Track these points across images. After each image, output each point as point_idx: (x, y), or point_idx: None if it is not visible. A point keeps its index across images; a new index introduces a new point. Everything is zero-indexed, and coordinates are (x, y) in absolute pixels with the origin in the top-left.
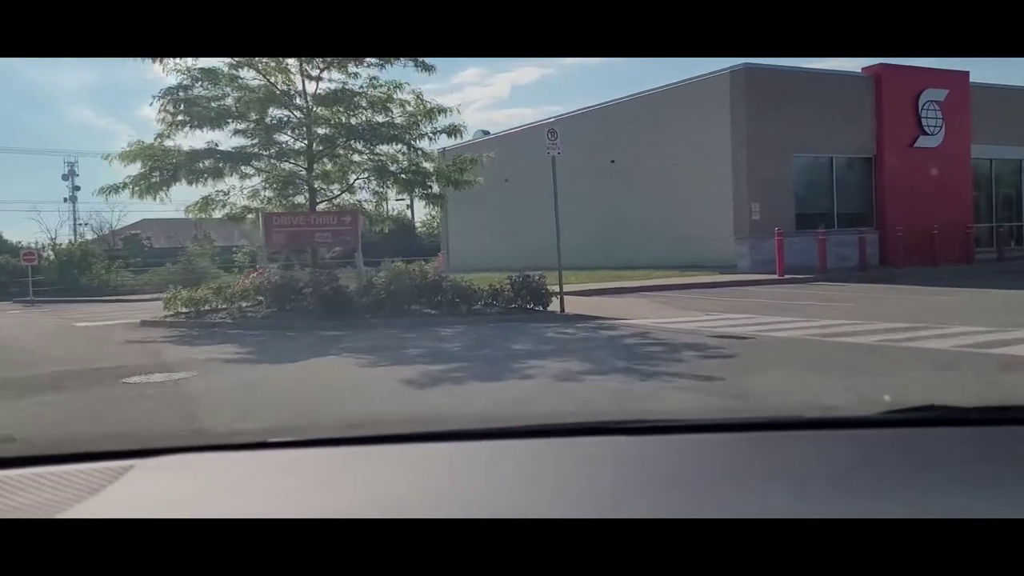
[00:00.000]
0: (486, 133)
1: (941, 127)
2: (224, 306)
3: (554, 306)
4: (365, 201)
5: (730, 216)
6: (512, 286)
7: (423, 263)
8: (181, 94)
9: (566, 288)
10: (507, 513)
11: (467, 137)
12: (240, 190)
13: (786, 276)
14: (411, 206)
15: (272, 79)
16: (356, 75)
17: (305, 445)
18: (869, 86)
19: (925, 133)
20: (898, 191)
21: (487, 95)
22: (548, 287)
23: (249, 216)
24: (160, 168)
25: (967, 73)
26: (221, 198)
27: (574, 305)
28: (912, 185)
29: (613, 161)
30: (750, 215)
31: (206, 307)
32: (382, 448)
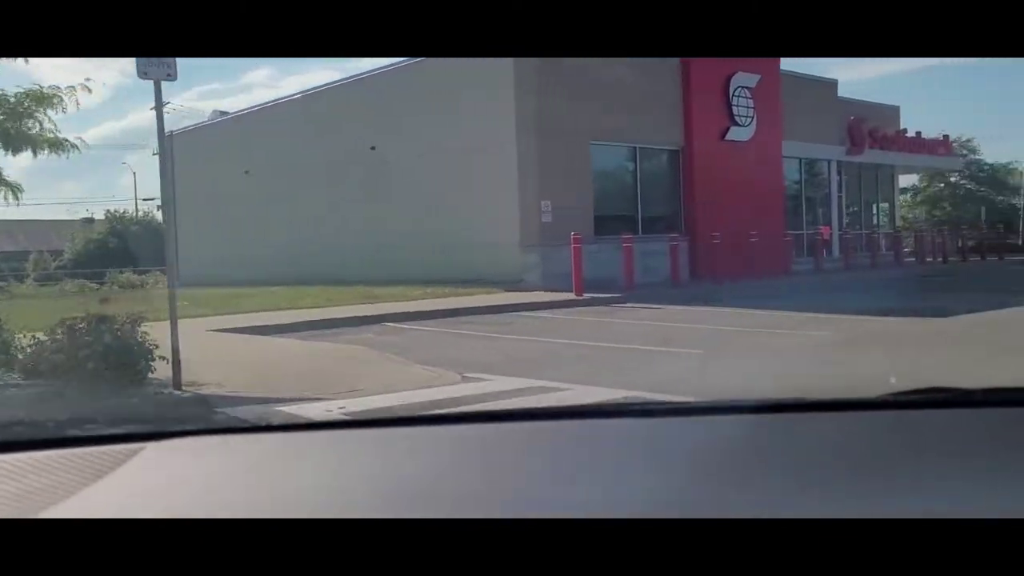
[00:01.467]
0: (224, 114)
1: (753, 118)
2: None
3: (163, 372)
4: None
5: (516, 218)
6: (72, 342)
7: None
8: None
9: (247, 320)
10: (505, 495)
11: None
12: None
13: (586, 295)
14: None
15: None
16: None
17: (316, 428)
18: (676, 65)
19: (736, 124)
20: (709, 191)
21: (274, 97)
22: (147, 341)
23: None
24: None
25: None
26: None
27: (211, 366)
28: (724, 184)
29: (374, 148)
30: (540, 216)
31: None
32: (388, 431)
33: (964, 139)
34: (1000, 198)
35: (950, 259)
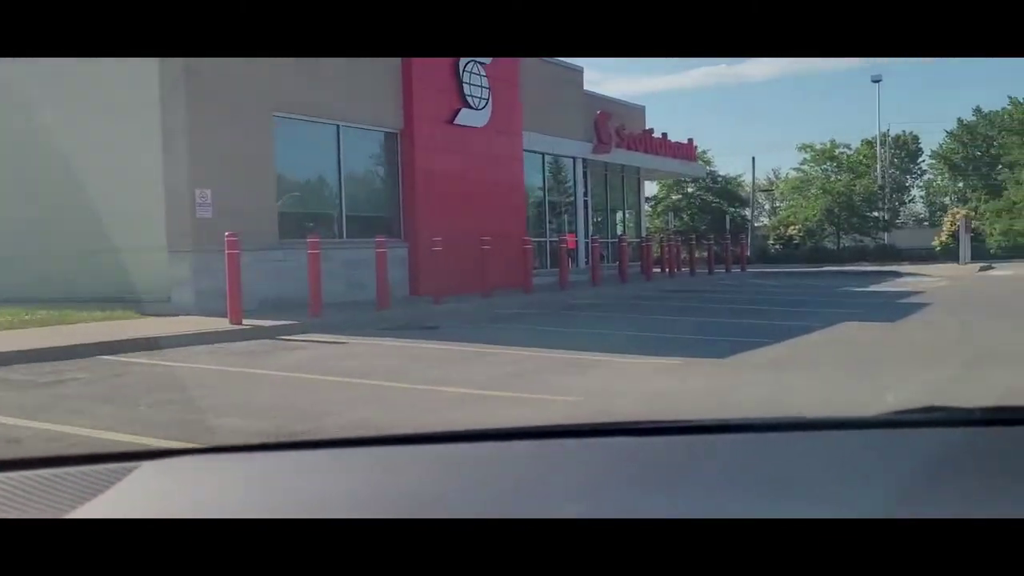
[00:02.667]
0: None
1: (488, 100)
2: None
3: None
4: None
5: (161, 213)
6: None
7: None
8: None
9: None
10: (508, 515)
11: None
12: None
13: (248, 323)
14: None
15: None
16: None
17: (313, 447)
18: None
19: (469, 106)
20: (435, 186)
21: None
22: None
23: None
24: None
25: None
26: None
27: None
28: (454, 178)
29: None
30: (194, 211)
31: None
32: (391, 450)
33: (701, 151)
34: (732, 209)
35: (697, 271)
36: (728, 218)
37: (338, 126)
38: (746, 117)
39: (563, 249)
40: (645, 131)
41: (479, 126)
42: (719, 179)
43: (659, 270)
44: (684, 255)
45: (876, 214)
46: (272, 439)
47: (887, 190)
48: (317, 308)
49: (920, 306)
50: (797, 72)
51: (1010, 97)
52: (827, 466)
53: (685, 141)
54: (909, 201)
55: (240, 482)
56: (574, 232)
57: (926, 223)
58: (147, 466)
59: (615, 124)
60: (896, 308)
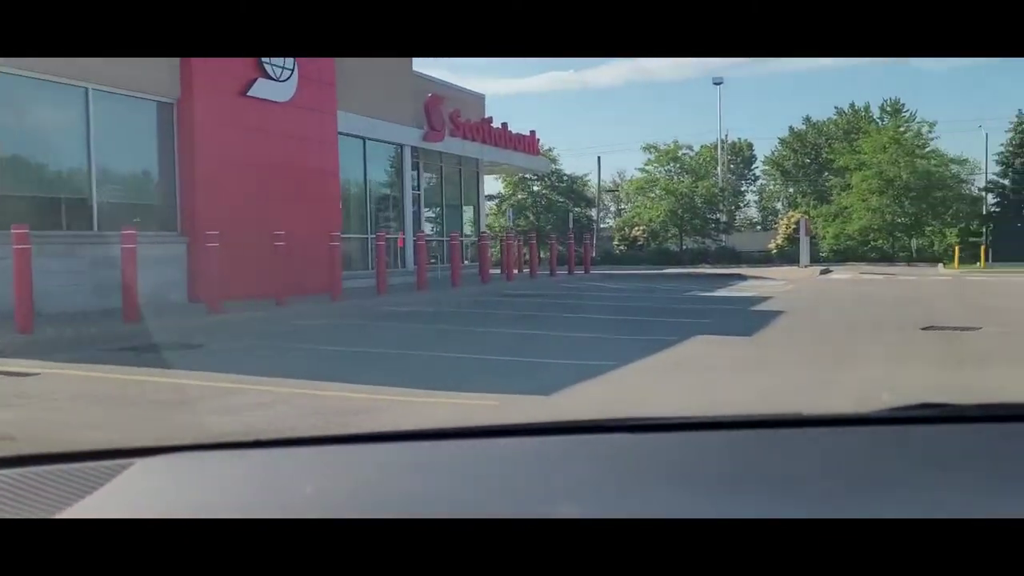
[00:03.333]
0: None
1: (294, 71)
2: None
3: None
4: None
5: None
6: None
7: None
8: None
9: None
10: (502, 512)
11: None
12: None
13: None
14: None
15: None
16: None
17: (307, 444)
18: None
19: (268, 76)
20: (223, 171)
21: None
22: None
23: None
24: None
25: None
26: None
27: None
28: (248, 162)
29: None
30: None
31: None
32: (387, 447)
33: (546, 148)
34: (576, 209)
35: (540, 273)
36: (571, 216)
37: (87, 88)
38: (593, 120)
39: (382, 248)
40: (483, 120)
41: (281, 101)
42: (565, 178)
43: (498, 272)
44: (527, 256)
45: (717, 216)
46: (265, 436)
47: (727, 192)
48: (27, 322)
49: (774, 315)
50: (643, 78)
51: (836, 107)
52: (823, 463)
53: (527, 133)
54: (744, 205)
55: (232, 480)
56: (402, 229)
57: (759, 227)
58: (140, 463)
59: (449, 110)
60: (750, 318)
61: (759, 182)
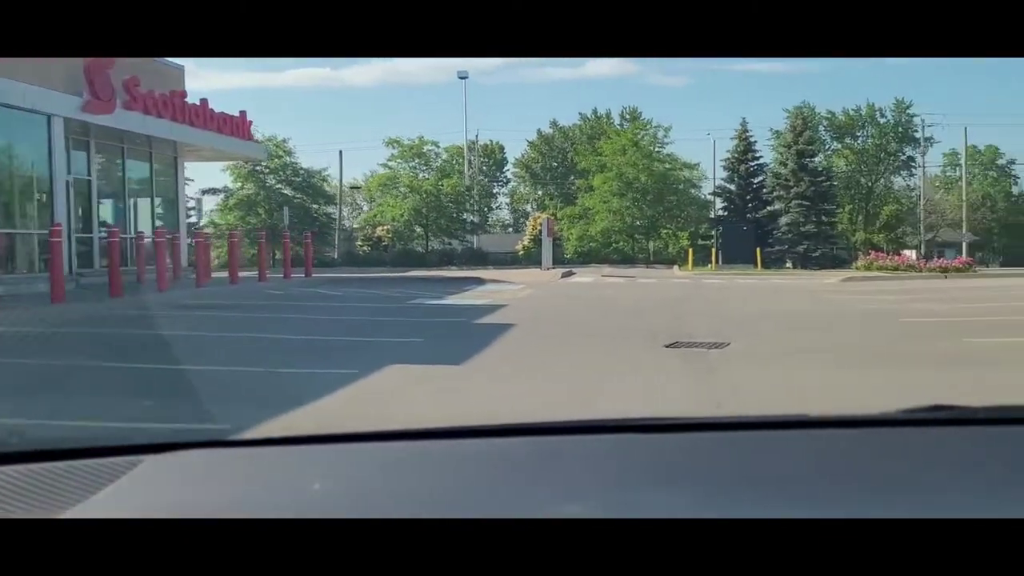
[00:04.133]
0: None
1: None
2: None
3: None
4: None
5: None
6: None
7: None
8: None
9: None
10: (504, 512)
11: None
12: None
13: None
14: None
15: None
16: None
17: (315, 442)
18: None
19: None
20: None
21: None
22: None
23: None
24: None
25: None
26: None
27: None
28: None
29: None
30: None
31: None
32: (394, 445)
33: (280, 139)
34: (315, 206)
35: (270, 276)
36: (286, 212)
37: None
38: (348, 118)
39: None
40: (174, 93)
41: None
42: (301, 171)
43: (193, 274)
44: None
45: (465, 217)
46: (276, 434)
47: (475, 191)
48: None
49: (501, 330)
50: (398, 79)
51: (580, 113)
52: (828, 464)
53: (237, 115)
54: (497, 207)
55: (240, 478)
56: (59, 223)
57: (511, 229)
58: (150, 460)
59: (125, 77)
60: (471, 334)
61: (510, 184)
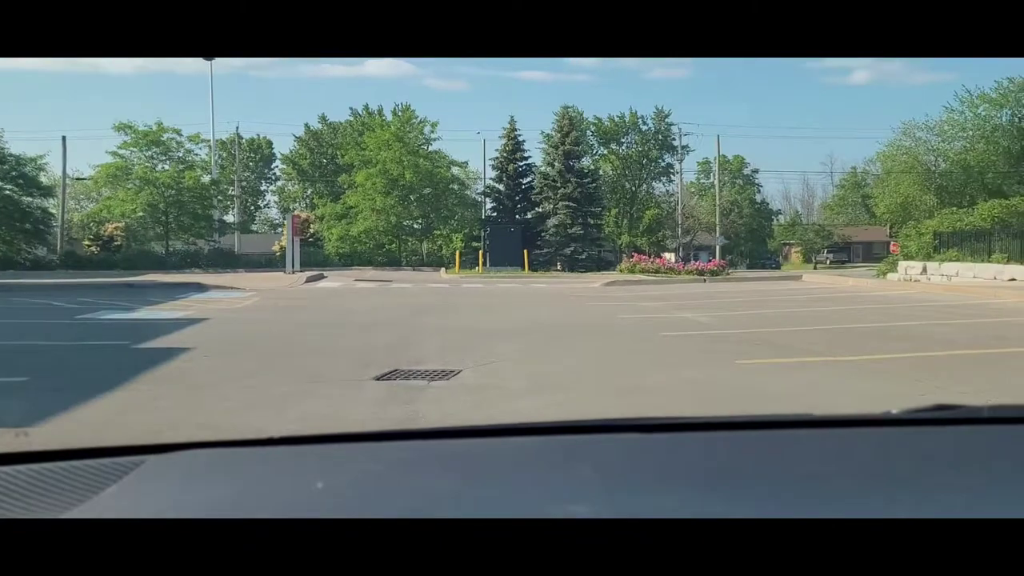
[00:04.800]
0: None
1: None
2: None
3: None
4: None
5: None
6: None
7: None
8: None
9: None
10: (507, 511)
11: None
12: None
13: None
14: None
15: None
16: None
17: (317, 442)
18: None
19: None
20: None
21: None
22: None
23: None
24: None
25: None
26: None
27: None
28: None
29: None
30: None
31: None
32: (394, 445)
33: None
34: (27, 199)
35: None
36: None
37: None
38: (107, 111)
39: None
40: None
41: None
42: (8, 158)
43: None
44: None
45: (213, 214)
46: (276, 435)
47: (225, 186)
48: None
49: (166, 356)
50: (160, 67)
51: (351, 108)
52: (834, 463)
53: None
54: (265, 206)
55: (243, 478)
56: None
57: (280, 229)
58: (152, 461)
59: None
60: (118, 365)
61: (279, 182)
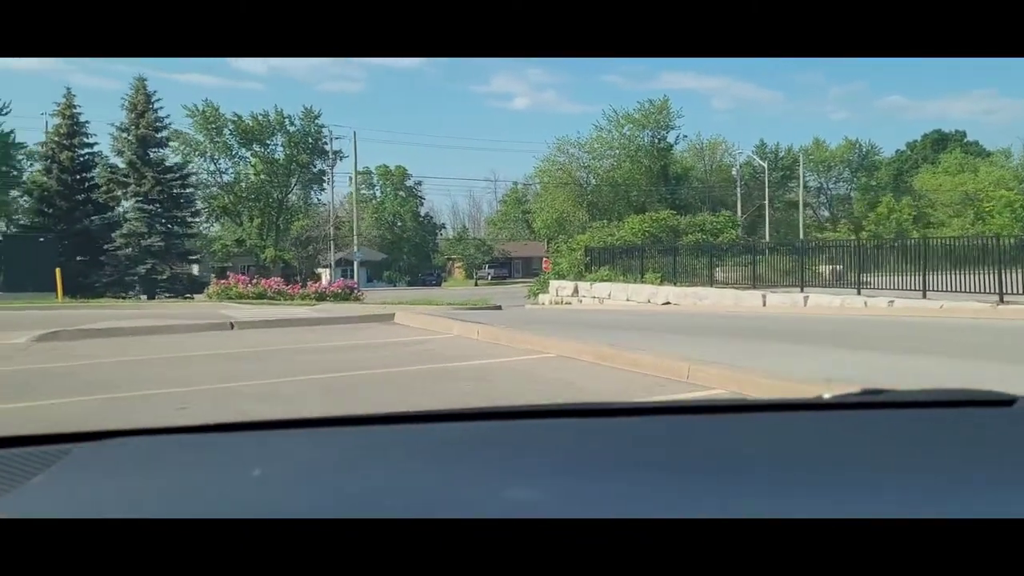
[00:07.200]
0: None
1: None
2: None
3: None
4: None
5: None
6: None
7: None
8: None
9: None
10: (453, 497)
11: None
12: None
13: None
14: None
15: None
16: None
17: (249, 428)
18: None
19: None
20: None
21: None
22: None
23: None
24: None
25: None
26: None
27: None
28: None
29: None
30: None
31: None
32: (333, 431)
33: None
34: None
35: None
36: None
37: None
38: None
39: None
40: None
41: None
42: None
43: None
44: None
45: None
46: (205, 422)
47: None
48: None
49: None
50: None
51: None
52: (763, 446)
53: None
54: None
55: (173, 466)
56: None
57: None
58: (79, 449)
59: None
60: None
61: None
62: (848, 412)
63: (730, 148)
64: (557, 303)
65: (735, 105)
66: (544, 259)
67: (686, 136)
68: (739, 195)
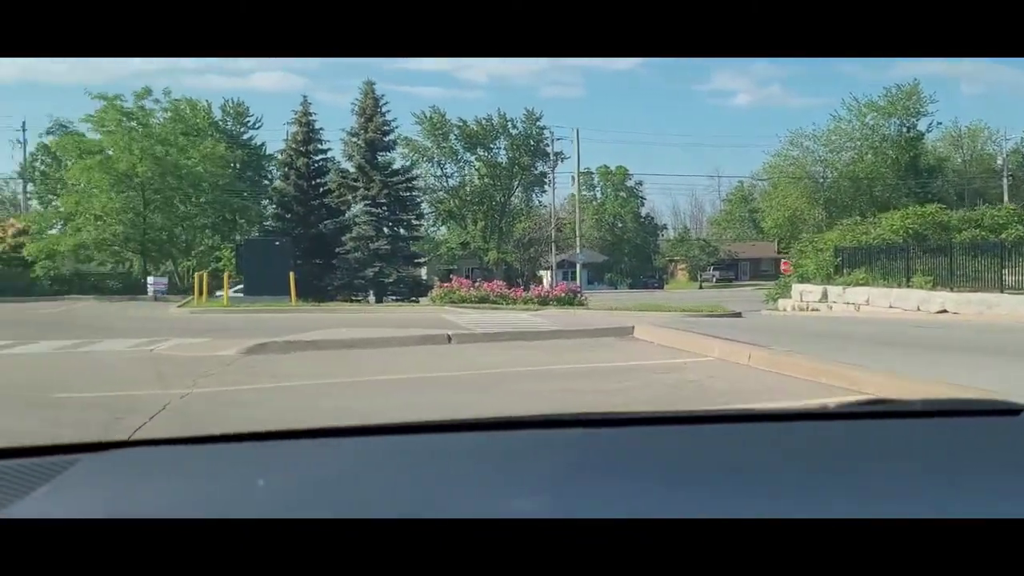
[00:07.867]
0: None
1: None
2: None
3: None
4: None
5: None
6: None
7: None
8: None
9: None
10: (455, 508)
11: None
12: None
13: None
14: None
15: None
16: None
17: (250, 439)
18: None
19: None
20: None
21: None
22: None
23: None
24: None
25: None
26: None
27: None
28: None
29: None
30: None
31: None
32: (340, 441)
33: None
34: None
35: None
36: None
37: None
38: None
39: None
40: None
41: None
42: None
43: None
44: None
45: None
46: (203, 433)
47: None
48: None
49: None
50: None
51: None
52: (776, 456)
53: None
54: None
55: (178, 477)
56: None
57: None
58: (86, 459)
59: None
60: None
61: None
62: (853, 422)
63: (993, 135)
64: (802, 309)
65: (987, 90)
66: (783, 260)
67: (939, 123)
68: (1005, 187)
